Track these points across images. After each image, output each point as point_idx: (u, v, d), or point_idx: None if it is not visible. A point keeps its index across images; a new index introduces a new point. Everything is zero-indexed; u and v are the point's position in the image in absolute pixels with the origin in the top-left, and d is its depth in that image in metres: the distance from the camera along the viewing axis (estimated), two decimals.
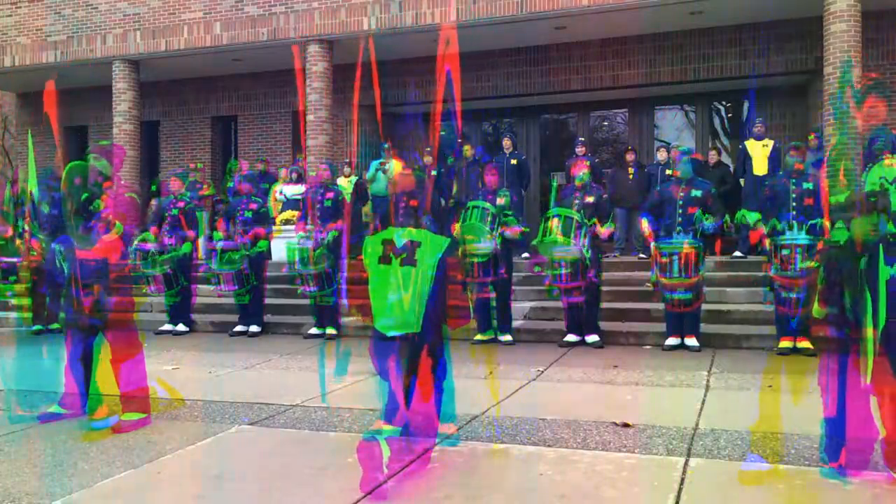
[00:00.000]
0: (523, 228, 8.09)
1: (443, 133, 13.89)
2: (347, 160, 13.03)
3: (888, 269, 3.70)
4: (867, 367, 3.67)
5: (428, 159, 11.13)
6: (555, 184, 8.26)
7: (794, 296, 6.96)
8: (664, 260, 7.30)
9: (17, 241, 9.01)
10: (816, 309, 4.03)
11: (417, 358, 4.09)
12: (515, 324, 8.46)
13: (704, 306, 7.83)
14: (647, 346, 7.82)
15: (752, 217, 7.30)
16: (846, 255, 3.93)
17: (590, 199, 7.76)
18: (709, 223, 7.36)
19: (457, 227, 7.83)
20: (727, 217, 7.51)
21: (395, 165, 11.28)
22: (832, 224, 6.49)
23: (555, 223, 7.45)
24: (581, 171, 7.92)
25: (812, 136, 10.41)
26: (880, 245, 3.77)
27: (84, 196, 5.19)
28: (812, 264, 6.68)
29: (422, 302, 4.09)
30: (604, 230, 7.61)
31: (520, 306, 8.97)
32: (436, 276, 4.14)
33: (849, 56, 9.81)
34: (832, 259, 4.11)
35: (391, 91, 14.08)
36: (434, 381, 4.34)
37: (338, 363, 7.42)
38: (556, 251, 7.54)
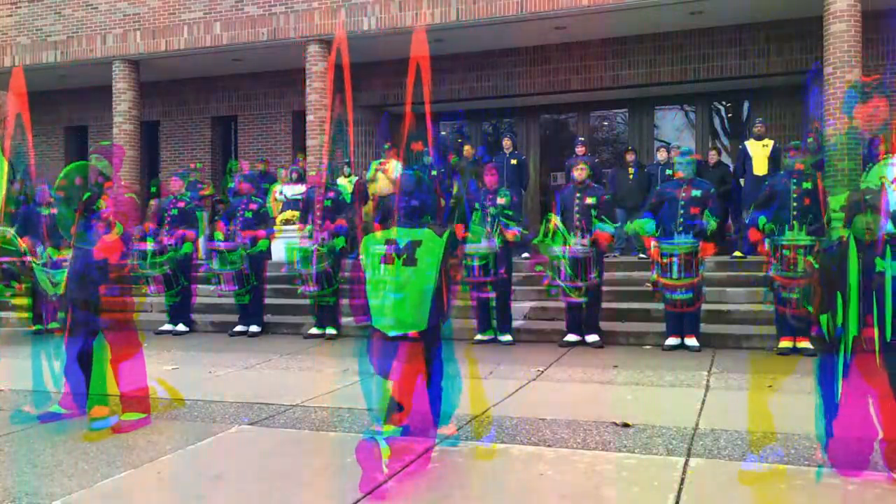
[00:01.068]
0: (522, 230, 8.08)
1: (443, 133, 13.89)
2: (347, 160, 13.03)
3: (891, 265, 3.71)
4: (838, 370, 3.72)
5: (428, 159, 11.13)
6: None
7: (794, 296, 6.95)
8: (664, 260, 7.30)
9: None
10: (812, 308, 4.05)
11: (412, 358, 4.10)
12: (515, 324, 8.46)
13: (704, 306, 7.83)
14: (647, 346, 7.82)
15: (760, 221, 7.28)
16: (835, 255, 3.94)
17: (590, 200, 7.77)
18: (713, 224, 7.35)
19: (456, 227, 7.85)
20: (712, 222, 7.44)
21: (394, 165, 11.29)
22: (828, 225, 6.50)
23: (555, 224, 7.53)
24: (580, 172, 7.93)
25: (811, 139, 10.41)
26: (851, 244, 3.79)
27: (86, 196, 5.19)
28: (810, 260, 6.69)
29: (424, 301, 4.09)
30: (604, 234, 7.58)
31: (520, 306, 8.97)
32: (435, 277, 4.14)
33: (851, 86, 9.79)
34: (824, 262, 4.14)
35: (391, 91, 14.09)
36: (433, 382, 4.34)
37: None
38: (555, 251, 7.57)
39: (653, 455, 4.19)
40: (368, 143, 14.62)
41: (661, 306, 7.77)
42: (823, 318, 3.88)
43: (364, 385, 5.03)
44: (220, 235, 9.28)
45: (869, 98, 10.23)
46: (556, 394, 5.82)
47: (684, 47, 12.68)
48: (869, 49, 10.96)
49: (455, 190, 11.38)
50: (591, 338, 7.83)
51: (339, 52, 12.67)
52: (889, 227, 3.83)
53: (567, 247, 7.51)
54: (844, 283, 3.76)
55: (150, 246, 9.04)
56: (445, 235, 4.25)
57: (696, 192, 7.46)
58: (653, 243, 7.45)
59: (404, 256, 4.13)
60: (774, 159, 10.24)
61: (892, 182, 3.92)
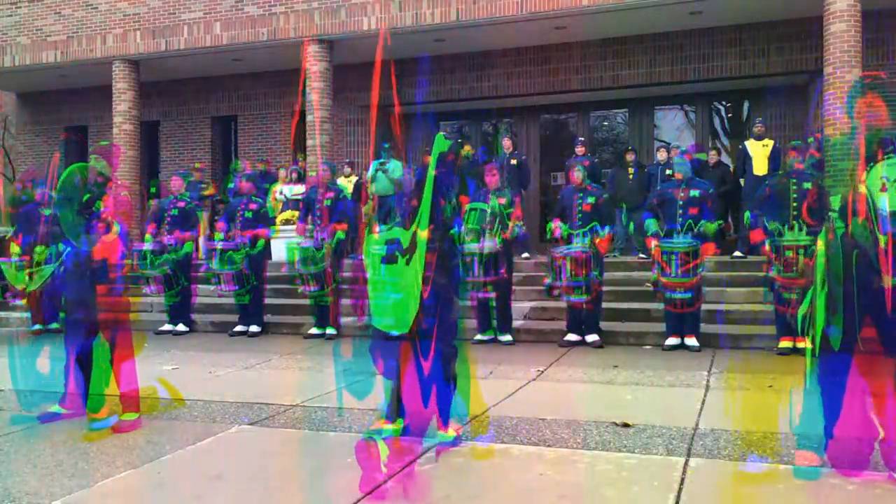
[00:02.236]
0: (516, 222, 8.05)
1: (442, 134, 13.84)
2: (348, 160, 13.03)
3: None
4: (811, 368, 3.75)
5: (428, 160, 11.12)
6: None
7: (794, 297, 6.95)
8: (665, 260, 7.30)
9: None
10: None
11: (411, 357, 4.10)
12: (515, 324, 8.46)
13: (704, 306, 7.83)
14: (647, 346, 7.82)
15: (746, 216, 7.31)
16: (828, 255, 3.95)
17: (591, 201, 7.76)
18: (711, 228, 7.36)
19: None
20: (709, 224, 7.45)
21: (395, 165, 11.29)
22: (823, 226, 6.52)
23: (556, 225, 7.57)
24: (576, 175, 7.94)
25: (812, 140, 10.40)
26: (820, 242, 3.81)
27: (86, 196, 5.19)
28: (809, 261, 6.69)
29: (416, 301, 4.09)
30: (603, 239, 7.58)
31: (520, 306, 8.96)
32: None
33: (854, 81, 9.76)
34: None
35: (388, 91, 14.06)
36: (433, 382, 4.34)
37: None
38: (555, 251, 7.57)
39: (653, 455, 4.19)
40: (368, 143, 14.61)
41: (661, 306, 7.77)
42: (799, 315, 3.93)
43: (349, 385, 5.02)
44: (220, 235, 9.29)
45: (863, 95, 10.22)
46: (556, 394, 5.82)
47: (684, 47, 12.68)
48: (869, 49, 10.96)
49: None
50: (591, 338, 7.83)
51: (332, 52, 12.69)
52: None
53: (565, 244, 7.54)
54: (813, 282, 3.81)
55: (146, 245, 9.05)
56: (421, 234, 4.22)
57: (695, 193, 7.47)
58: (654, 243, 7.45)
59: (407, 256, 4.13)
60: (774, 159, 10.24)
61: (893, 183, 3.91)
